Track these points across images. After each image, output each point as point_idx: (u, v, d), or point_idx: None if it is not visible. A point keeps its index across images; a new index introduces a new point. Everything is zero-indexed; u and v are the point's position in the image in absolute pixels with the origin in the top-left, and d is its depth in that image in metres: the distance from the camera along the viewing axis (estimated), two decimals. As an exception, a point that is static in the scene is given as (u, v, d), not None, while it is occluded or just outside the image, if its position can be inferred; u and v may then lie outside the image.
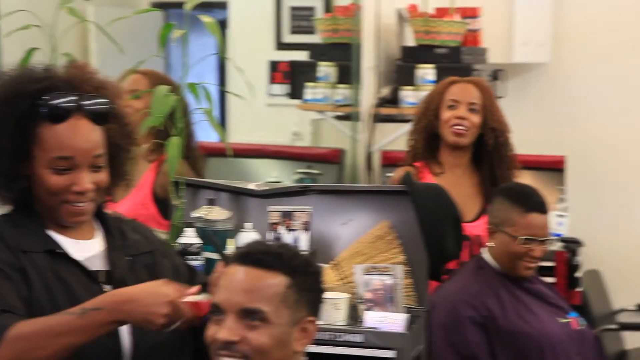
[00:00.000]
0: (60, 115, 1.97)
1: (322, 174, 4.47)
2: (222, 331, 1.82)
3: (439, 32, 4.41)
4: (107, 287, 2.03)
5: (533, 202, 3.11)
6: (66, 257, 2.01)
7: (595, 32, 5.41)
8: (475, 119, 3.47)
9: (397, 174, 3.54)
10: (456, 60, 4.42)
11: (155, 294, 1.91)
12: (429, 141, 3.52)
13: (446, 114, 3.48)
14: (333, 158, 4.57)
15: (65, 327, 1.87)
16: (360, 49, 4.41)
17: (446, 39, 4.43)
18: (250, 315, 1.82)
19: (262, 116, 5.59)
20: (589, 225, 4.64)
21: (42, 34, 2.61)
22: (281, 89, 5.65)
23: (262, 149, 4.75)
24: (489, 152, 3.47)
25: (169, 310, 1.91)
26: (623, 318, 4.69)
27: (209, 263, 2.55)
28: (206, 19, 2.56)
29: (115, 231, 2.12)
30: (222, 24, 5.53)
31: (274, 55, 5.97)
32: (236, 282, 1.84)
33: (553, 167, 4.31)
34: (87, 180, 1.99)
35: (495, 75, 4.67)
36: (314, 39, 5.77)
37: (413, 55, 4.48)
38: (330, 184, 4.33)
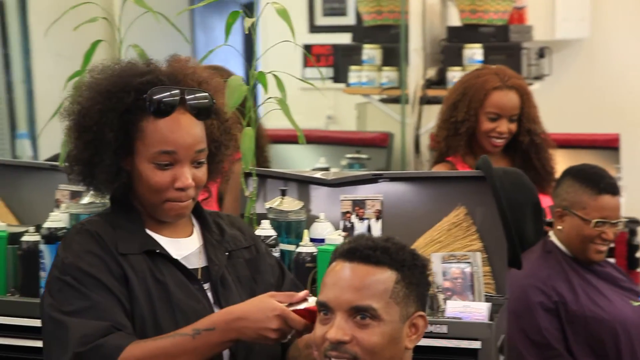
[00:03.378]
0: (164, 110, 1.94)
1: (371, 158, 4.41)
2: (332, 331, 1.77)
3: (485, 10, 4.35)
4: (206, 285, 2.00)
5: (605, 184, 3.05)
6: (164, 257, 1.98)
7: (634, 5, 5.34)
8: (514, 126, 3.38)
9: (436, 169, 3.47)
10: (504, 39, 4.36)
11: (264, 309, 1.88)
12: (468, 141, 3.40)
13: (487, 125, 3.34)
14: (380, 142, 4.51)
15: (180, 348, 1.85)
16: (406, 30, 4.33)
17: (493, 17, 4.37)
18: (360, 313, 1.77)
19: (296, 101, 5.52)
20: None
21: (108, 26, 2.55)
22: (315, 72, 5.60)
23: (307, 134, 4.67)
24: (524, 150, 3.41)
25: (279, 324, 1.88)
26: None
27: (283, 255, 2.51)
28: (277, 5, 2.50)
29: (213, 227, 2.08)
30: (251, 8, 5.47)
31: (307, 39, 5.91)
32: (344, 279, 1.79)
33: (607, 146, 4.24)
34: (189, 175, 1.95)
35: (542, 53, 4.60)
36: (347, 20, 5.70)
37: (459, 35, 4.42)
38: (379, 169, 4.28)
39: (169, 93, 1.95)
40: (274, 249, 2.44)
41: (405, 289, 1.80)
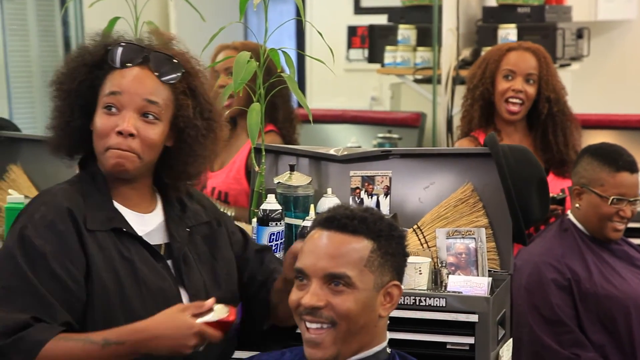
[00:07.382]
0: (124, 61, 1.98)
1: (402, 138, 4.45)
2: (307, 296, 1.82)
3: (522, -10, 4.33)
4: (168, 262, 2.02)
5: (623, 161, 3.05)
6: (130, 234, 1.99)
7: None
8: (531, 90, 3.41)
9: (459, 145, 3.50)
10: (539, 19, 4.34)
11: (181, 328, 1.88)
12: (484, 109, 3.46)
13: (502, 85, 3.41)
14: (413, 122, 4.54)
15: (87, 355, 1.86)
16: (440, 11, 4.35)
17: (529, -3, 4.35)
18: (335, 280, 1.82)
19: (341, 81, 5.58)
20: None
21: (123, 3, 2.63)
22: (360, 53, 5.63)
23: (342, 114, 4.75)
24: (543, 120, 3.42)
25: (197, 341, 1.90)
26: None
27: (290, 229, 2.57)
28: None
29: (175, 202, 2.10)
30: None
31: (352, 20, 5.94)
32: (321, 247, 1.84)
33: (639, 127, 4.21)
34: (131, 122, 1.95)
35: (580, 33, 4.57)
36: (393, 1, 5.72)
37: (495, 16, 4.41)
38: (410, 147, 4.31)
39: (133, 48, 2.00)
40: (279, 223, 2.51)
41: (380, 259, 1.84)
